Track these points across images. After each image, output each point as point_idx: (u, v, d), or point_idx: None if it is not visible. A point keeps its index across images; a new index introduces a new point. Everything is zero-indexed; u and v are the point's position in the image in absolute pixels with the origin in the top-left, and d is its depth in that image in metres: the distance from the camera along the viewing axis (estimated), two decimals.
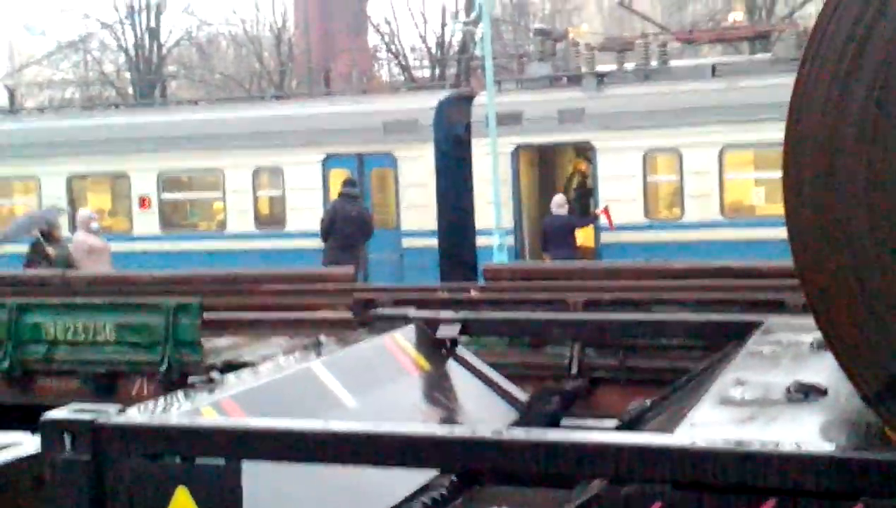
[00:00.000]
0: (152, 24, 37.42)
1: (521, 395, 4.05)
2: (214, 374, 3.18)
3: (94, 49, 39.33)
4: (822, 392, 2.63)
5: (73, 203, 19.04)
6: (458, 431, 2.69)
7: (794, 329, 3.50)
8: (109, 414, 2.66)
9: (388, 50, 38.59)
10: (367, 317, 4.38)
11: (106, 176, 19.18)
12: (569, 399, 4.05)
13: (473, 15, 18.82)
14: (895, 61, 2.22)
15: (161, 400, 3.05)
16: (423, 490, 2.94)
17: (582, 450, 2.27)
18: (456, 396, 3.95)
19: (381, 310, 4.57)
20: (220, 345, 7.84)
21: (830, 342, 2.39)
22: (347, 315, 7.94)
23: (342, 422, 2.66)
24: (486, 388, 4.03)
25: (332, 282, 9.88)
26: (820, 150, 2.32)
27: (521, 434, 2.53)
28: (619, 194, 15.76)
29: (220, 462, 2.53)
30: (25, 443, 4.22)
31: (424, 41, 36.63)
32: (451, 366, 4.04)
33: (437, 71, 35.55)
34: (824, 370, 2.78)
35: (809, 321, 2.52)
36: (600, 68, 16.75)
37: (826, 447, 2.19)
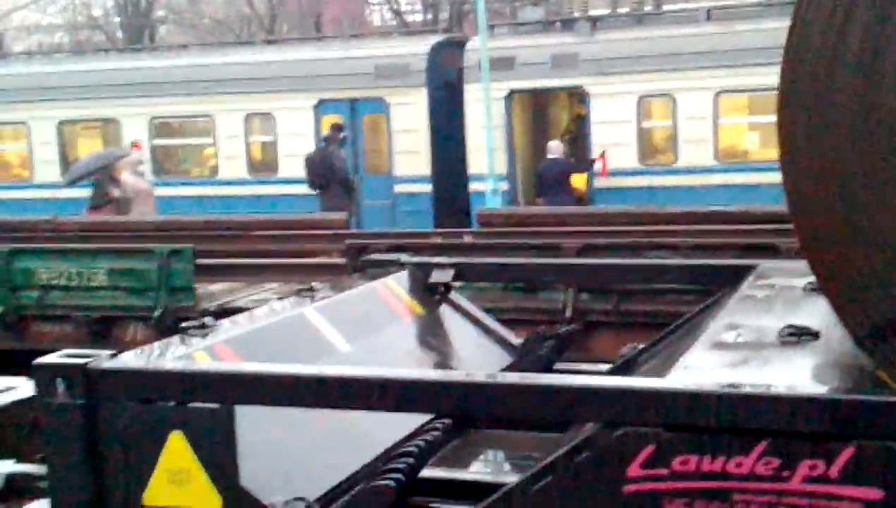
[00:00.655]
0: None
1: (515, 340, 4.06)
2: (207, 319, 3.17)
3: None
4: (814, 335, 2.64)
5: (64, 148, 18.93)
6: (451, 375, 2.70)
7: (788, 273, 3.50)
8: (102, 358, 2.66)
9: None
10: (360, 263, 4.37)
11: (96, 121, 19.04)
12: (562, 343, 4.05)
13: None
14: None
15: (154, 344, 3.04)
16: (416, 433, 2.96)
17: (574, 394, 2.27)
18: (449, 341, 3.95)
19: (373, 256, 4.55)
20: (213, 290, 7.86)
21: (823, 284, 2.39)
22: (341, 260, 7.96)
23: (335, 367, 2.66)
24: (480, 333, 4.03)
25: (325, 228, 9.90)
26: (815, 91, 2.30)
27: (513, 378, 2.54)
28: (613, 139, 15.71)
29: (214, 406, 2.53)
30: (21, 388, 4.25)
31: None
32: (445, 311, 4.04)
33: (430, 15, 35.20)
34: (817, 313, 2.78)
35: (802, 265, 2.52)
36: (594, 12, 16.60)
37: (818, 389, 2.20)
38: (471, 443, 3.61)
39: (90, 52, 25.46)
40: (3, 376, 4.58)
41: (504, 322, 4.32)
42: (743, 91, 15.29)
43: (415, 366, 3.45)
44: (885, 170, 2.22)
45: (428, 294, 4.04)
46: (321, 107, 17.18)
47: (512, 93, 16.37)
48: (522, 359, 3.88)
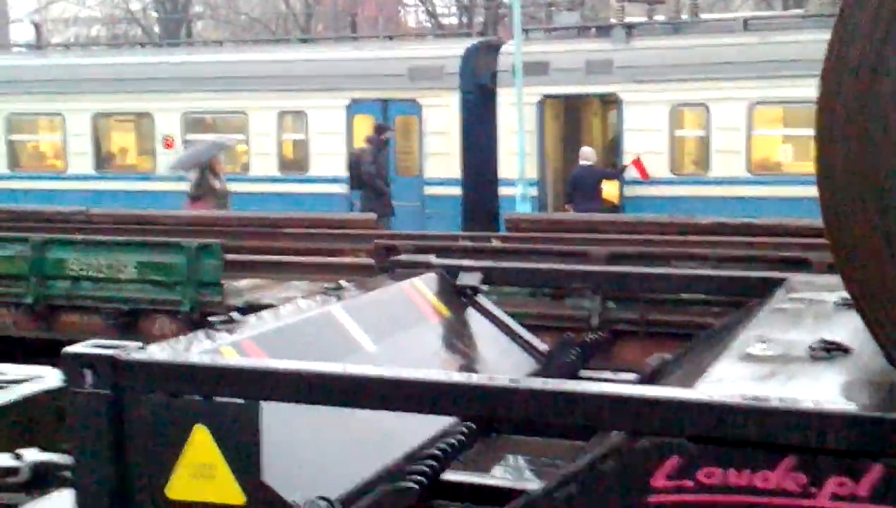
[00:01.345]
0: None
1: (541, 346, 4.04)
2: (235, 314, 3.18)
3: None
4: (845, 350, 2.61)
5: (98, 140, 19.09)
6: (475, 378, 2.69)
7: (819, 287, 3.47)
8: (130, 350, 2.67)
9: None
10: (388, 263, 4.37)
11: (130, 115, 19.18)
12: (589, 351, 4.03)
13: None
14: None
15: (182, 338, 3.05)
16: (441, 436, 2.95)
17: (600, 402, 2.26)
18: (475, 344, 3.94)
19: (402, 257, 4.55)
20: (241, 287, 7.90)
21: (856, 300, 2.36)
22: (368, 260, 7.97)
23: (361, 366, 2.66)
24: (506, 337, 4.02)
25: (354, 228, 9.92)
26: (855, 104, 2.28)
27: (538, 383, 2.52)
28: (645, 147, 15.63)
29: (240, 401, 2.54)
30: (48, 377, 4.28)
31: None
32: (471, 314, 4.03)
33: (465, 18, 35.22)
34: (849, 329, 2.75)
35: (833, 279, 2.50)
36: (630, 19, 16.54)
37: (847, 405, 2.17)
38: (494, 448, 3.60)
39: (126, 46, 25.69)
40: (32, 365, 4.62)
41: (530, 328, 4.30)
42: (778, 103, 15.19)
43: (440, 368, 3.44)
44: None
45: (455, 296, 4.03)
46: (353, 106, 17.22)
47: (545, 98, 16.33)
48: (548, 366, 3.87)
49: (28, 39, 29.74)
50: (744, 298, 3.87)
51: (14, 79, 19.12)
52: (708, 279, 4.39)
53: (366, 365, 3.00)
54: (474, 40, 18.50)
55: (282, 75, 17.52)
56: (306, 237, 9.68)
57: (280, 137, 17.83)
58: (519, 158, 15.63)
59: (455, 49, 17.37)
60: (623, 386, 2.62)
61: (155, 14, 38.68)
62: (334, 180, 16.98)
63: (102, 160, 19.22)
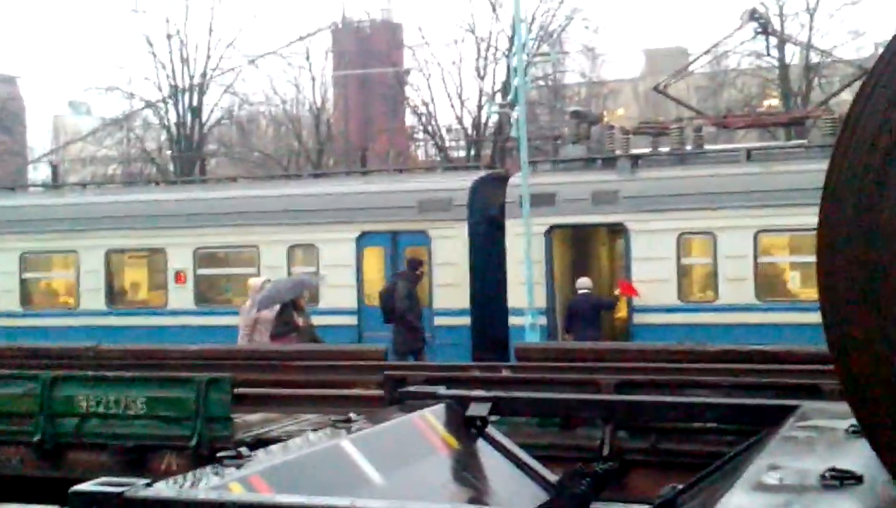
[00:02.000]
0: (195, 102, 38.22)
1: (551, 476, 4.00)
2: (243, 450, 3.17)
3: (137, 127, 40.17)
4: (857, 478, 2.58)
5: (110, 276, 19.26)
6: None
7: (830, 414, 3.45)
8: (137, 487, 2.66)
9: (425, 130, 39.10)
10: (397, 395, 4.36)
11: (143, 250, 19.41)
12: (600, 481, 3.98)
13: (509, 98, 19.08)
14: None
15: (189, 474, 3.04)
16: None
17: None
18: (485, 476, 3.91)
19: (411, 388, 4.55)
20: (250, 420, 7.84)
21: (866, 428, 2.35)
22: (378, 392, 7.92)
23: (369, 500, 2.64)
24: (516, 469, 3.98)
25: (364, 359, 9.90)
26: (856, 235, 2.31)
27: None
28: (653, 275, 15.71)
29: None
30: None
31: (461, 122, 37.09)
32: (481, 446, 4.00)
33: (473, 151, 35.90)
34: (860, 456, 2.73)
35: (845, 407, 2.50)
36: (635, 151, 16.83)
37: None
38: None
39: (141, 184, 26.18)
40: (39, 505, 4.57)
41: (540, 458, 4.27)
42: (783, 230, 15.32)
43: (449, 501, 3.40)
44: None
45: (464, 428, 4.02)
46: (364, 238, 17.41)
47: (552, 228, 16.51)
48: (559, 496, 3.82)
49: (45, 179, 30.38)
50: (756, 426, 3.84)
51: (30, 218, 19.46)
52: (720, 407, 4.38)
53: (375, 498, 2.97)
54: (482, 172, 18.81)
55: (292, 209, 17.79)
56: (315, 369, 9.66)
57: (290, 270, 17.96)
58: (527, 288, 15.70)
59: (463, 181, 17.66)
60: None
61: (169, 152, 39.53)
62: (345, 312, 17.02)
63: (114, 295, 19.37)
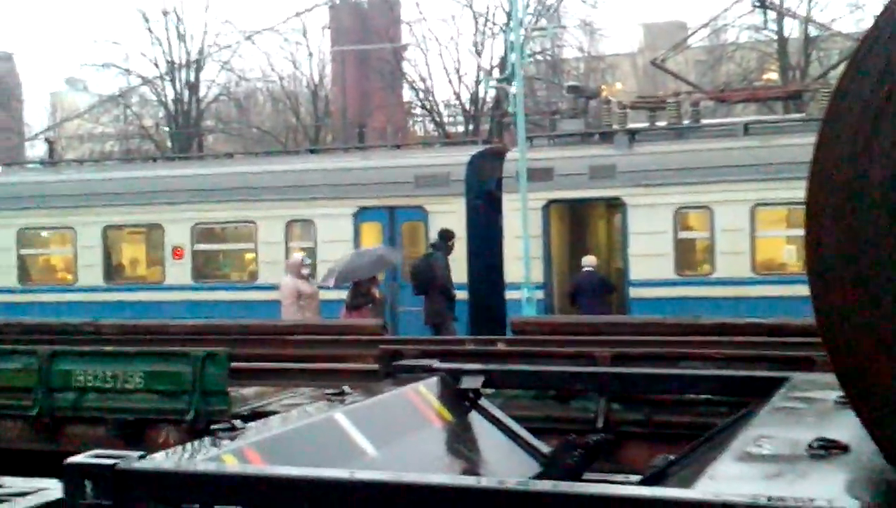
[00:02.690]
0: (192, 79, 38.10)
1: (544, 448, 4.03)
2: (237, 422, 3.19)
3: (134, 103, 40.05)
4: (844, 448, 2.60)
5: (108, 252, 19.29)
6: (473, 482, 2.69)
7: (820, 386, 3.47)
8: (131, 459, 2.68)
9: (423, 106, 39.02)
10: (391, 368, 4.38)
11: (141, 226, 19.43)
12: (592, 452, 4.01)
13: (507, 73, 19.03)
14: None
15: (183, 446, 3.06)
16: None
17: (598, 503, 2.25)
18: (478, 447, 3.94)
19: (405, 361, 4.58)
20: (247, 394, 7.88)
21: (852, 398, 2.37)
22: (375, 366, 7.96)
23: (360, 472, 2.66)
24: (509, 440, 4.01)
25: (360, 334, 9.94)
26: (843, 201, 2.32)
27: (537, 485, 2.52)
28: (650, 249, 15.74)
29: None
30: (52, 490, 4.25)
31: (458, 97, 37.02)
32: (474, 418, 4.03)
33: (471, 126, 35.84)
34: (848, 427, 2.75)
35: (835, 378, 2.51)
36: (632, 126, 16.82)
37: (845, 504, 2.16)
38: None
39: (138, 160, 26.15)
40: (36, 478, 4.59)
41: (535, 431, 4.29)
42: (780, 204, 15.33)
43: (442, 473, 3.43)
44: None
45: (458, 400, 4.04)
46: (361, 214, 17.42)
47: (550, 203, 16.51)
48: (551, 468, 3.85)
49: (42, 155, 30.33)
50: (747, 398, 3.86)
51: (27, 194, 19.45)
52: (712, 379, 4.40)
53: (368, 470, 3.00)
54: (479, 148, 18.80)
55: (290, 185, 17.79)
56: (312, 344, 9.69)
57: (288, 245, 17.99)
58: (524, 262, 15.73)
59: (461, 156, 17.65)
60: (620, 487, 2.62)
61: (167, 129, 39.45)
62: (342, 287, 17.05)
63: (112, 271, 19.40)
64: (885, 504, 2.30)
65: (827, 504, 2.09)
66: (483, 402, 4.11)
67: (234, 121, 40.98)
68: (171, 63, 37.46)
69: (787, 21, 31.61)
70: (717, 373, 4.80)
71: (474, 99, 35.99)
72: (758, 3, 19.96)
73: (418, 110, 40.85)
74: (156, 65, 37.84)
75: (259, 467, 2.86)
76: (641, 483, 3.50)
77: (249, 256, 18.66)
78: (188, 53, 37.59)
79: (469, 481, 2.69)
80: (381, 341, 8.96)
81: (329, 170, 18.08)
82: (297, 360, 8.92)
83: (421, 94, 38.15)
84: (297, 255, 14.58)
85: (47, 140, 27.78)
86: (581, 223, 18.55)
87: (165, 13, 37.03)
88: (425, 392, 3.93)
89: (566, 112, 18.61)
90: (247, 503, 2.55)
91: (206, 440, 3.07)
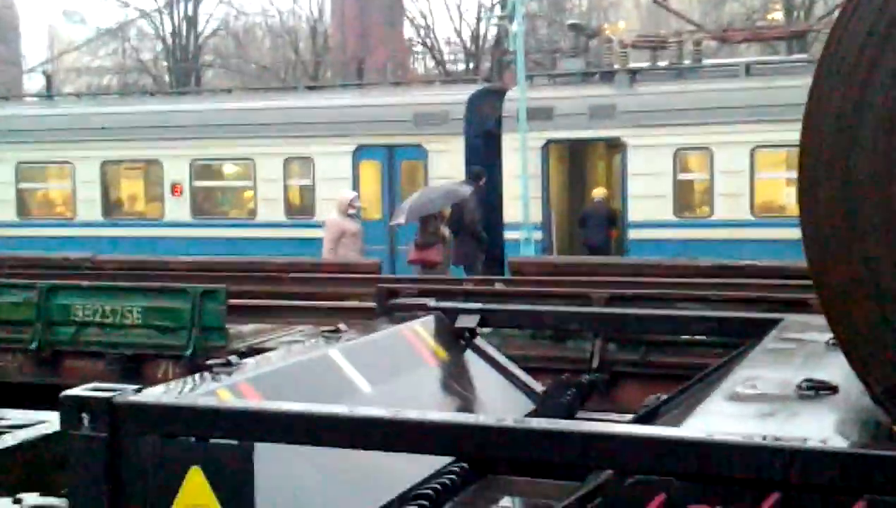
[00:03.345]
0: (190, 13, 37.69)
1: (538, 386, 4.07)
2: (233, 358, 3.22)
3: (132, 37, 39.68)
4: (832, 389, 2.63)
5: (106, 188, 19.26)
6: (466, 419, 2.72)
7: (812, 327, 3.49)
8: (127, 392, 2.70)
9: (423, 43, 38.65)
10: (387, 307, 4.41)
11: (139, 162, 19.36)
12: (585, 391, 4.05)
13: (508, 10, 18.82)
14: None
15: (179, 381, 3.09)
16: (434, 476, 2.97)
17: (586, 441, 2.28)
18: (472, 386, 3.97)
19: (401, 300, 4.60)
20: (245, 331, 7.92)
21: (841, 340, 2.39)
22: (373, 305, 7.98)
23: (354, 407, 2.69)
24: (503, 379, 4.05)
25: (358, 272, 9.97)
26: (837, 146, 2.32)
27: (527, 423, 2.55)
28: (649, 191, 15.71)
29: (234, 443, 2.57)
30: (51, 422, 4.31)
31: (459, 35, 36.67)
32: (469, 357, 4.06)
33: (472, 65, 35.55)
34: (838, 368, 2.77)
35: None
36: (633, 65, 16.68)
37: (831, 443, 2.19)
38: (491, 489, 3.61)
39: (136, 95, 25.98)
40: (35, 410, 4.65)
41: (531, 370, 4.33)
42: (780, 146, 15.26)
43: (436, 410, 3.46)
44: None
45: (453, 339, 4.07)
46: (360, 152, 17.35)
47: (549, 143, 16.44)
48: (544, 406, 3.89)
49: (40, 89, 30.13)
50: (741, 339, 3.89)
51: (25, 128, 19.35)
52: (706, 320, 4.43)
53: (362, 406, 3.03)
54: (479, 86, 18.66)
55: (289, 122, 17.69)
56: (311, 282, 9.72)
57: (286, 183, 17.95)
58: (523, 203, 15.70)
59: (460, 95, 17.53)
60: (610, 425, 2.65)
61: (165, 63, 39.12)
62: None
63: (111, 207, 19.38)
64: (868, 442, 2.33)
65: (820, 443, 2.12)
66: (478, 341, 4.14)
67: (232, 57, 40.63)
68: None
69: None
70: (711, 314, 4.82)
71: (475, 36, 35.66)
72: None
73: (419, 48, 40.50)
74: None
75: (252, 401, 2.89)
76: (633, 422, 3.54)
77: (248, 194, 18.62)
78: None
79: (465, 418, 2.72)
80: (379, 279, 8.99)
81: (327, 108, 17.97)
82: (295, 298, 8.95)
83: (421, 31, 37.80)
84: (348, 193, 13.88)
85: (45, 73, 27.56)
86: (580, 163, 18.49)
87: None
88: (421, 330, 3.95)
89: (567, 51, 18.47)
90: (239, 436, 2.57)
91: (202, 375, 3.10)
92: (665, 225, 15.55)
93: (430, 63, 39.70)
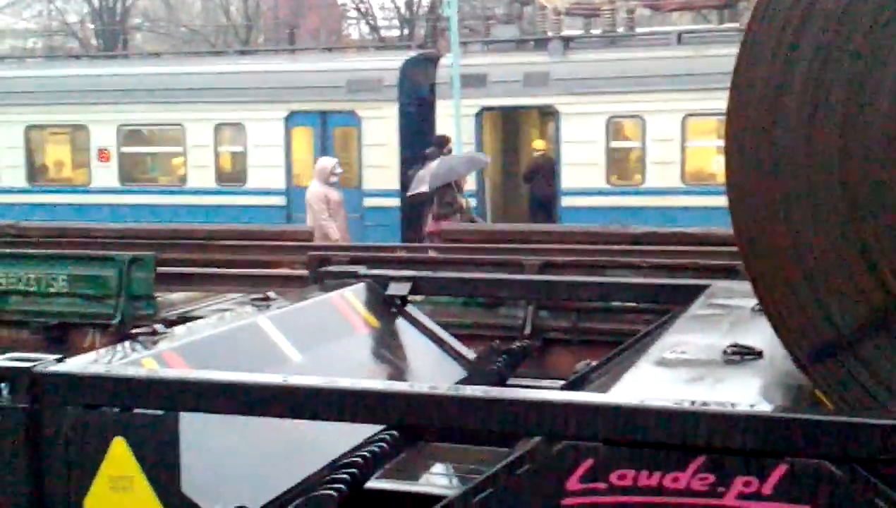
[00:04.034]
0: None
1: (469, 354, 4.07)
2: (158, 326, 3.16)
3: None
4: (757, 354, 2.67)
5: (31, 153, 18.80)
6: (395, 386, 2.71)
7: (739, 293, 3.54)
8: (47, 362, 2.64)
9: (357, 9, 38.27)
10: (317, 274, 4.37)
11: (65, 127, 18.91)
12: (516, 358, 4.07)
13: None
14: (844, 17, 2.24)
15: (102, 350, 3.03)
16: (364, 445, 2.96)
17: (514, 407, 2.28)
18: (403, 354, 3.96)
19: (332, 267, 4.56)
20: (174, 299, 7.81)
21: (763, 304, 2.42)
22: (305, 272, 7.92)
23: (281, 376, 2.66)
24: (435, 346, 4.05)
25: (289, 240, 9.88)
26: (762, 112, 2.34)
27: (455, 390, 2.55)
28: (582, 158, 15.81)
29: (158, 413, 2.53)
30: None
31: (394, 1, 36.36)
32: (400, 324, 4.05)
33: (406, 31, 35.31)
34: (763, 334, 2.82)
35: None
36: (567, 33, 16.71)
37: (753, 406, 2.22)
38: (422, 456, 3.61)
39: (61, 58, 25.34)
40: None
41: (463, 337, 4.34)
42: (711, 114, 15.41)
43: (368, 378, 3.45)
44: (824, 193, 2.27)
45: (384, 306, 4.05)
46: (292, 118, 17.17)
47: (483, 110, 16.43)
48: (475, 373, 3.89)
49: None
50: (669, 305, 3.94)
51: None
52: (636, 287, 4.47)
53: (291, 375, 3.00)
54: (413, 53, 18.55)
55: (219, 87, 17.41)
56: (241, 249, 9.60)
57: (217, 149, 17.70)
58: None
59: (394, 61, 17.41)
60: (539, 391, 2.66)
61: (92, 26, 38.20)
62: (273, 192, 16.90)
63: (36, 172, 18.93)
64: (790, 406, 2.37)
65: (748, 408, 2.15)
66: (410, 309, 4.13)
67: (161, 20, 39.81)
68: None
69: None
70: (641, 282, 4.87)
71: (409, 3, 35.39)
72: None
73: (353, 13, 40.08)
74: None
75: (175, 370, 2.85)
76: (563, 388, 3.57)
77: (178, 160, 18.31)
78: None
79: (397, 386, 2.70)
80: (310, 247, 8.92)
81: (259, 73, 17.72)
82: (226, 265, 8.84)
83: None
84: (327, 160, 13.29)
85: None
86: (514, 131, 18.52)
87: None
88: (351, 298, 3.93)
89: (501, 18, 18.41)
90: (163, 406, 2.53)
91: (127, 344, 3.05)
92: (597, 192, 15.68)
93: (364, 29, 39.35)
